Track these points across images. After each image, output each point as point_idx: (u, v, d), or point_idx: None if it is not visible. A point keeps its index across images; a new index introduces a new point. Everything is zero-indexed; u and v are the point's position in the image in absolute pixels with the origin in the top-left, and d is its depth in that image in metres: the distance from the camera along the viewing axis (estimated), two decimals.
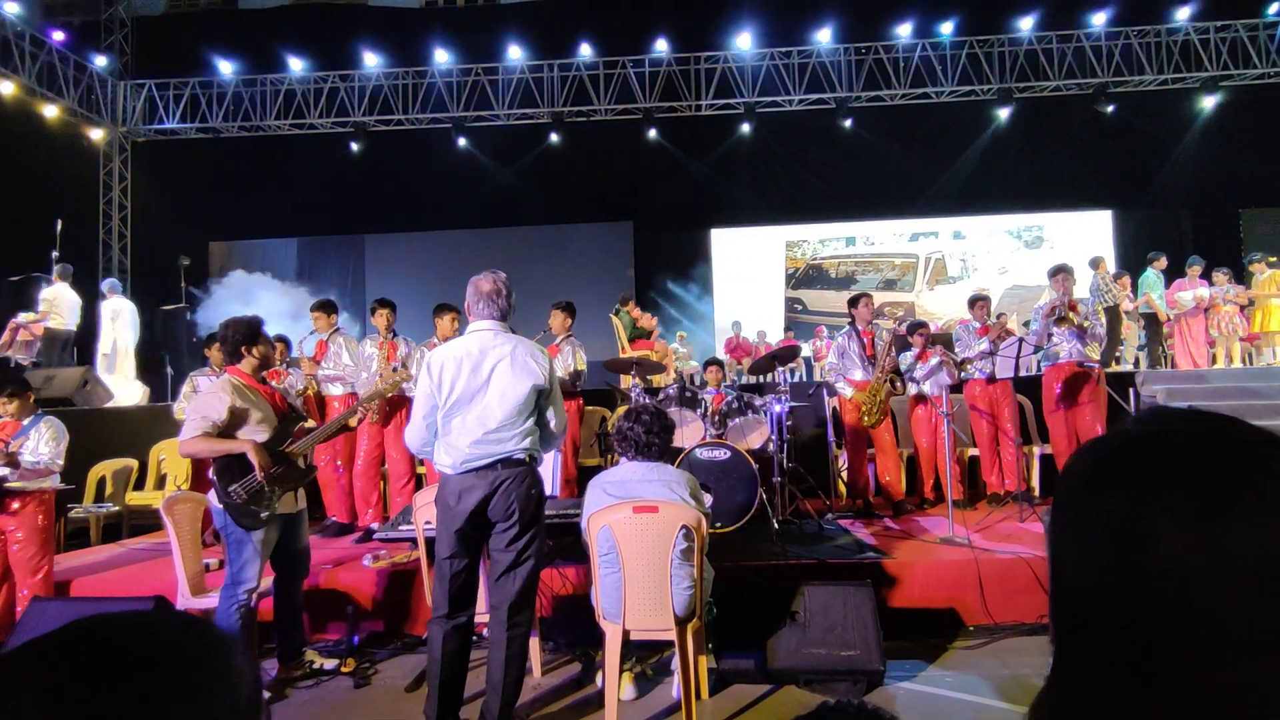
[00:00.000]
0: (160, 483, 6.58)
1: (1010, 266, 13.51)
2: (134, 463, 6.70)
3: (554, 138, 12.46)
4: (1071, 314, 5.54)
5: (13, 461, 3.96)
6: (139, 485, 6.64)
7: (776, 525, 5.04)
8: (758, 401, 5.70)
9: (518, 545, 2.91)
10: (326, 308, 5.71)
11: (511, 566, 2.92)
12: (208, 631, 0.56)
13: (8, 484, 4.02)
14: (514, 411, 2.90)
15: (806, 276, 14.15)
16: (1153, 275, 8.78)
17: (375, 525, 5.36)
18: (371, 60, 12.12)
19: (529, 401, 2.93)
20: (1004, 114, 12.31)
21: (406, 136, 12.72)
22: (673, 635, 3.01)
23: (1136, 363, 9.16)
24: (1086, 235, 12.91)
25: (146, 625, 0.54)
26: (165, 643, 0.53)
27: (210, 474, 3.42)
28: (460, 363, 2.93)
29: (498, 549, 2.95)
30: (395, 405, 5.51)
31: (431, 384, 2.94)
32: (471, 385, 2.90)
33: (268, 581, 3.64)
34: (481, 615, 3.14)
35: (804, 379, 10.87)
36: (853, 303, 5.81)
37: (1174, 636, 0.48)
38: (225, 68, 12.19)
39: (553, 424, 3.06)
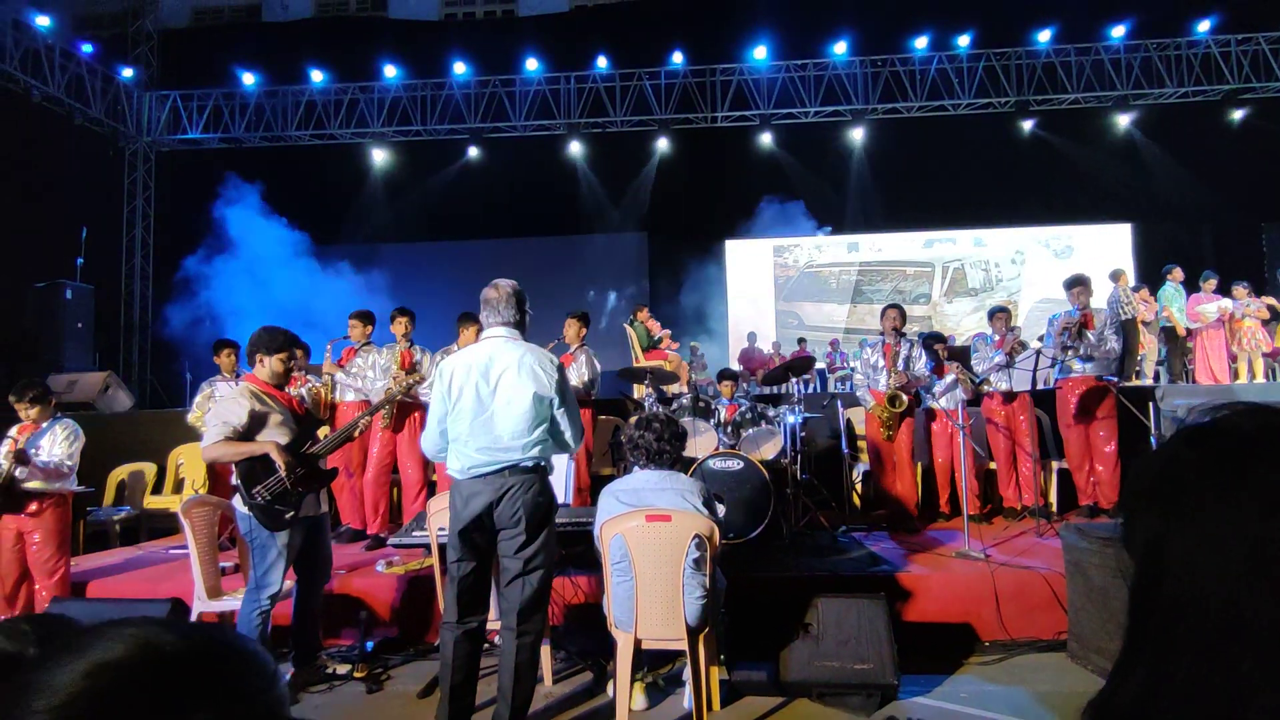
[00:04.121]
0: (178, 486, 6.66)
1: (1037, 278, 13.29)
2: (153, 466, 6.78)
3: (569, 149, 12.56)
4: (1085, 333, 5.47)
5: (23, 459, 4.02)
6: (157, 489, 6.72)
7: (789, 537, 5.01)
8: (771, 412, 5.69)
9: (525, 553, 2.91)
10: (364, 318, 5.77)
11: (520, 574, 2.92)
12: (265, 665, 0.56)
13: (24, 485, 4.08)
14: (520, 419, 2.91)
15: (802, 287, 13.75)
16: (1171, 288, 8.68)
17: (383, 534, 5.39)
18: (391, 72, 12.29)
19: (535, 410, 2.93)
20: (1022, 126, 12.26)
21: (424, 147, 12.87)
22: (685, 645, 3.00)
23: (1156, 377, 9.04)
24: (1107, 248, 12.78)
25: (201, 654, 0.53)
26: (217, 678, 0.53)
27: (233, 479, 3.44)
28: (470, 369, 2.96)
29: (506, 556, 2.95)
30: (408, 412, 5.54)
31: (442, 389, 3.00)
32: (480, 392, 2.93)
33: (288, 585, 3.67)
34: (494, 623, 3.15)
35: (817, 390, 10.82)
36: (881, 314, 5.82)
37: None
38: (248, 79, 12.40)
39: (567, 434, 3.06)
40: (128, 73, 12.28)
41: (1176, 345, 8.71)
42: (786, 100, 12.14)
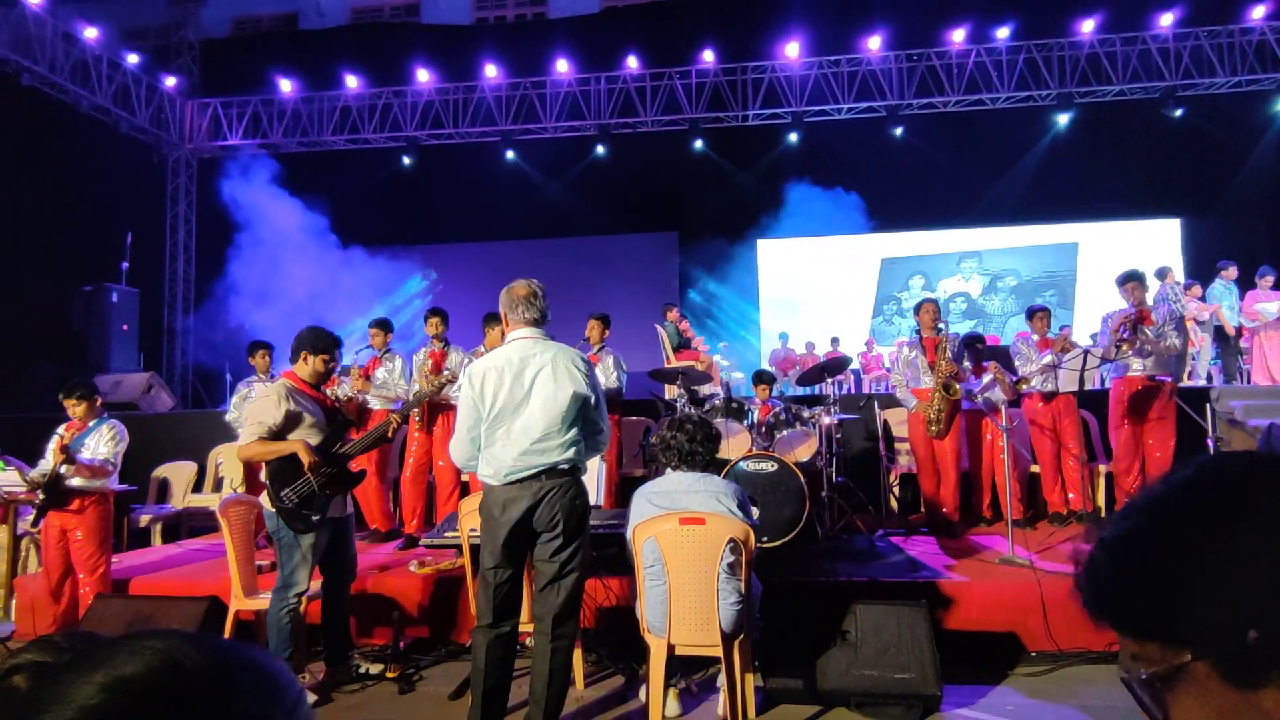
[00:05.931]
0: (218, 485, 6.79)
1: (1084, 275, 12.78)
2: (193, 465, 6.92)
3: (600, 149, 12.55)
4: (1142, 329, 5.24)
5: (70, 458, 4.11)
6: (198, 487, 6.86)
7: (825, 541, 4.90)
8: (806, 413, 5.58)
9: (561, 556, 2.87)
10: (383, 326, 5.81)
11: (556, 577, 2.88)
12: (287, 690, 0.55)
13: (68, 482, 4.18)
14: (557, 421, 2.87)
15: (834, 286, 13.23)
16: (1220, 286, 8.33)
17: (416, 534, 5.40)
18: (423, 76, 12.41)
19: (572, 410, 2.89)
20: (1064, 120, 11.91)
21: (456, 150, 12.97)
22: (719, 652, 2.93)
23: (1209, 378, 8.68)
24: (1154, 244, 12.33)
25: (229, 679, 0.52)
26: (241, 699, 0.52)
27: (262, 478, 3.48)
28: (501, 372, 2.90)
29: (542, 559, 2.91)
30: (442, 413, 5.55)
31: (474, 394, 2.92)
32: (514, 395, 2.88)
33: (316, 585, 3.70)
34: (526, 625, 3.11)
35: (852, 391, 10.64)
36: (915, 310, 5.67)
37: None
38: (285, 86, 12.63)
39: (599, 434, 3.03)
40: (170, 81, 12.60)
41: (1228, 345, 8.36)
42: (819, 97, 11.95)
